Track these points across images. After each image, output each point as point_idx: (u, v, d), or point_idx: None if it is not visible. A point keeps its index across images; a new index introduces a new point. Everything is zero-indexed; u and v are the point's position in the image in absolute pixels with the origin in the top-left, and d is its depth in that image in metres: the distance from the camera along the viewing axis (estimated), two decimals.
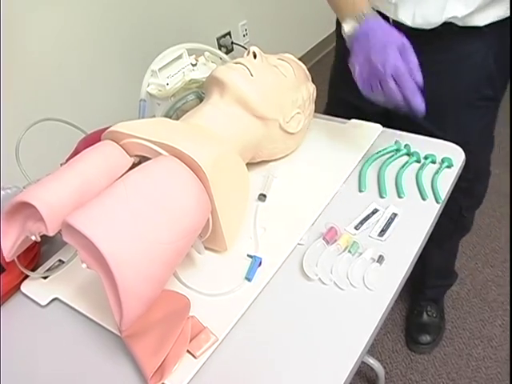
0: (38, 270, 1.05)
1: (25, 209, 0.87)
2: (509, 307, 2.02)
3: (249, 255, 0.99)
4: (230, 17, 2.79)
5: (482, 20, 1.16)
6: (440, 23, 1.17)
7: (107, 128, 1.25)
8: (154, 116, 1.42)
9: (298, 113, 1.14)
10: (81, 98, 2.37)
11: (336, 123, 1.32)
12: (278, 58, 1.14)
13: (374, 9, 1.10)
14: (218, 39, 3.00)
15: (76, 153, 1.13)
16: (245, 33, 3.18)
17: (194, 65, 1.36)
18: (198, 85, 1.35)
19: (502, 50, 1.22)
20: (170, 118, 1.25)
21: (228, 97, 1.03)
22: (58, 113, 1.32)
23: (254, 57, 1.08)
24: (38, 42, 2.18)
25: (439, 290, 2.00)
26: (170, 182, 0.83)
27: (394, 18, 1.23)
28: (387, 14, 1.23)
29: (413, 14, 1.19)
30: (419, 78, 0.94)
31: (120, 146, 0.95)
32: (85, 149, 1.11)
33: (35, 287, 1.03)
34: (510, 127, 2.58)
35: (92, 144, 1.12)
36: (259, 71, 1.06)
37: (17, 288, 1.04)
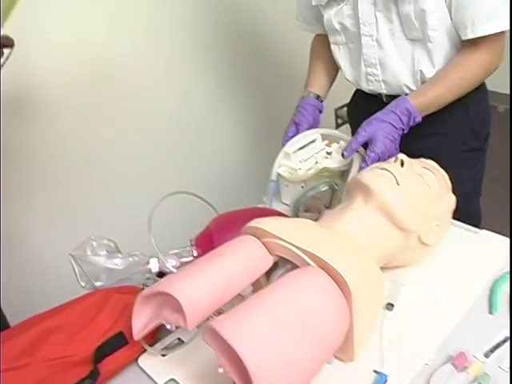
0: (157, 345, 1.05)
1: (162, 294, 0.87)
2: None
3: (375, 371, 0.95)
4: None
5: None
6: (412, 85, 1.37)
7: (238, 211, 1.28)
8: (280, 196, 1.41)
9: (437, 225, 1.10)
10: (212, 174, 2.44)
11: (467, 232, 1.27)
12: (423, 167, 1.11)
13: (365, 91, 1.49)
14: (336, 110, 2.99)
15: (208, 232, 1.14)
16: None
17: (328, 153, 1.35)
18: (330, 174, 1.34)
19: (480, 107, 1.44)
20: (300, 206, 1.23)
21: (373, 204, 1.02)
22: (188, 186, 1.33)
23: (402, 165, 1.05)
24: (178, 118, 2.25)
25: None
26: (317, 297, 0.81)
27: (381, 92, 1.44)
28: (380, 91, 1.45)
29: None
30: None
31: (262, 242, 0.93)
32: (217, 229, 1.12)
33: (153, 364, 1.02)
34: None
35: (224, 227, 1.13)
36: (405, 180, 1.04)
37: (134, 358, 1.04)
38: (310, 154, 1.37)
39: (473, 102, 1.38)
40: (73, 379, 0.95)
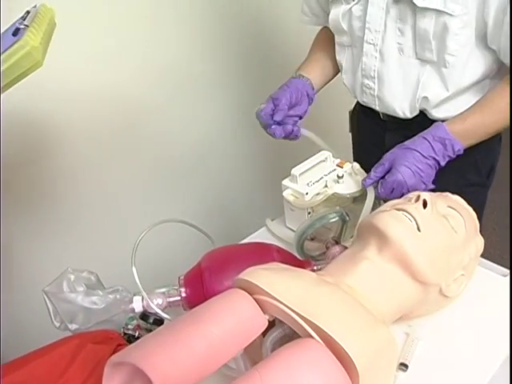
0: None
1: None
2: None
3: None
4: None
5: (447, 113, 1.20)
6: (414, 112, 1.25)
7: (234, 246, 1.13)
8: (285, 220, 1.29)
9: (462, 274, 0.96)
10: (209, 202, 2.27)
11: (495, 274, 1.11)
12: (448, 206, 0.95)
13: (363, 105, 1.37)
14: (350, 112, 2.81)
15: (198, 270, 1.00)
16: None
17: (339, 177, 1.20)
18: (341, 200, 1.19)
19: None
20: (307, 236, 1.09)
21: (388, 253, 0.87)
22: (181, 215, 1.20)
23: (424, 205, 0.90)
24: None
25: None
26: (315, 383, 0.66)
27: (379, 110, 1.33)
28: (374, 107, 1.33)
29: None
30: None
31: (255, 299, 0.79)
32: (208, 267, 0.99)
33: None
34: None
35: (217, 265, 1.00)
36: (428, 226, 0.89)
37: None
38: (319, 175, 1.22)
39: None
40: None
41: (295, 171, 1.21)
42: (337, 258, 0.96)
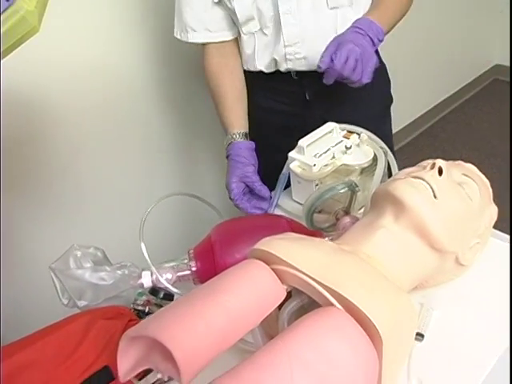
0: (149, 376, 0.89)
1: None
2: None
3: None
4: None
5: None
6: None
7: (244, 218, 1.11)
8: (291, 193, 1.28)
9: (478, 243, 0.94)
10: (216, 175, 2.23)
11: (503, 242, 1.09)
12: (463, 174, 0.93)
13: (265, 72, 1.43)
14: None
15: (209, 243, 0.98)
16: None
17: (347, 147, 1.18)
18: (349, 171, 1.17)
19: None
20: (315, 208, 1.06)
21: (405, 221, 0.85)
22: (189, 188, 1.18)
23: (440, 173, 0.88)
24: None
25: None
26: (343, 352, 0.67)
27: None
28: (299, 69, 1.41)
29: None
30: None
31: (272, 269, 0.76)
32: (219, 240, 0.97)
33: None
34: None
35: (227, 237, 0.98)
36: (444, 193, 0.87)
37: None
38: (327, 147, 1.19)
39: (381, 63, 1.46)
40: None
41: (302, 142, 1.19)
42: (351, 227, 0.94)
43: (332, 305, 0.72)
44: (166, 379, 0.81)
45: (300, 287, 0.77)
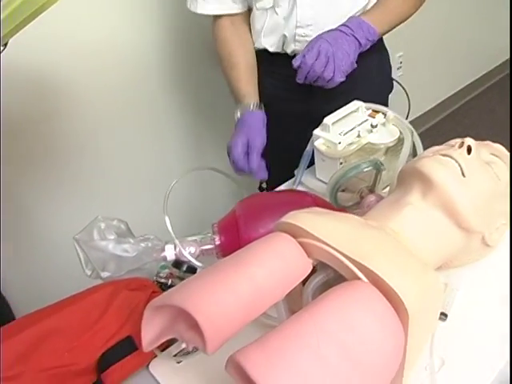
0: (171, 348, 0.90)
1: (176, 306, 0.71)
2: None
3: None
4: (388, 47, 2.57)
5: None
6: None
7: (269, 194, 1.11)
8: (315, 171, 1.26)
9: (504, 224, 0.92)
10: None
11: None
12: (491, 153, 0.92)
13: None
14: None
15: (233, 218, 0.98)
16: (399, 65, 2.96)
17: (373, 126, 1.16)
18: (374, 150, 1.16)
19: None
20: (340, 186, 1.06)
21: (432, 198, 0.84)
22: (213, 163, 1.18)
23: (468, 151, 0.87)
24: None
25: None
26: (370, 325, 0.66)
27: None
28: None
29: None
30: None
31: (298, 242, 0.76)
32: (243, 215, 0.96)
33: (166, 371, 0.89)
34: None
35: (252, 212, 0.98)
36: (473, 171, 0.86)
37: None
38: (352, 125, 1.18)
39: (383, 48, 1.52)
40: None
41: (327, 120, 1.18)
42: (378, 204, 0.94)
43: (359, 279, 0.72)
44: (190, 349, 0.81)
45: (326, 261, 0.76)
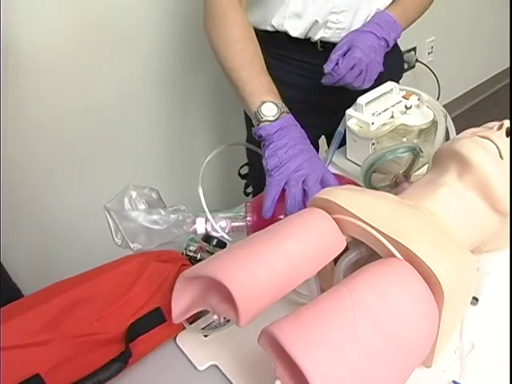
0: (199, 321, 0.91)
1: (209, 277, 0.71)
2: None
3: (454, 382, 0.79)
4: (419, 32, 2.55)
5: None
6: None
7: None
8: (346, 151, 1.25)
9: None
10: None
11: None
12: None
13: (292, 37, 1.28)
14: (402, 53, 2.74)
15: None
16: (430, 50, 2.93)
17: (407, 107, 1.15)
18: (407, 132, 1.14)
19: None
20: (376, 168, 1.04)
21: (469, 180, 0.83)
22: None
23: (507, 134, 0.85)
24: None
25: None
26: (405, 302, 0.66)
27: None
28: (332, 40, 1.28)
29: None
30: None
31: (332, 218, 0.75)
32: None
33: (193, 344, 0.89)
34: None
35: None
36: (510, 154, 0.84)
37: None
38: (385, 106, 1.17)
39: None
40: (100, 361, 0.81)
41: (361, 100, 1.17)
42: (413, 184, 0.93)
43: (394, 256, 0.71)
44: (221, 321, 0.81)
45: (361, 237, 0.76)
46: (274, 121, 0.94)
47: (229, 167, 1.80)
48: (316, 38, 1.28)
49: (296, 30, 1.26)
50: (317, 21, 1.24)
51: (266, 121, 0.94)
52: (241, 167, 1.26)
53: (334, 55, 1.14)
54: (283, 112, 0.96)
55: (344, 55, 1.15)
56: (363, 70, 1.15)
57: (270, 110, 0.95)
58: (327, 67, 1.15)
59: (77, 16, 1.57)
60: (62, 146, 1.70)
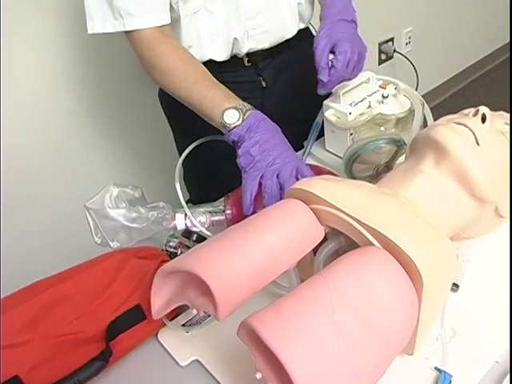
0: (179, 318, 0.90)
1: (187, 272, 0.70)
2: None
3: (437, 368, 0.79)
4: (396, 22, 2.55)
5: None
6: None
7: None
8: (324, 142, 1.25)
9: None
10: None
11: None
12: (505, 123, 0.91)
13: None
14: (379, 44, 2.81)
15: None
16: (408, 40, 2.94)
17: (384, 97, 1.15)
18: (384, 121, 1.14)
19: None
20: (358, 158, 1.04)
21: (446, 167, 0.83)
22: None
23: (483, 120, 0.85)
24: None
25: None
26: (384, 290, 0.66)
27: None
28: (260, 46, 1.25)
29: None
30: None
31: (310, 208, 0.75)
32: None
33: (175, 341, 0.88)
34: None
35: None
36: (487, 140, 0.85)
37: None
38: (363, 96, 1.17)
39: None
40: (80, 360, 0.80)
41: (338, 89, 1.16)
42: (390, 172, 0.93)
43: (372, 245, 0.71)
44: (201, 315, 0.80)
45: (339, 227, 0.76)
46: (241, 124, 0.92)
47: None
48: (244, 50, 1.21)
49: (219, 55, 1.20)
50: (235, 38, 1.18)
51: (233, 127, 0.93)
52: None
53: (323, 59, 1.04)
54: (247, 111, 0.94)
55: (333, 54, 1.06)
56: (356, 59, 1.07)
57: (233, 115, 0.93)
58: (323, 76, 1.04)
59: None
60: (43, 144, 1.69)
